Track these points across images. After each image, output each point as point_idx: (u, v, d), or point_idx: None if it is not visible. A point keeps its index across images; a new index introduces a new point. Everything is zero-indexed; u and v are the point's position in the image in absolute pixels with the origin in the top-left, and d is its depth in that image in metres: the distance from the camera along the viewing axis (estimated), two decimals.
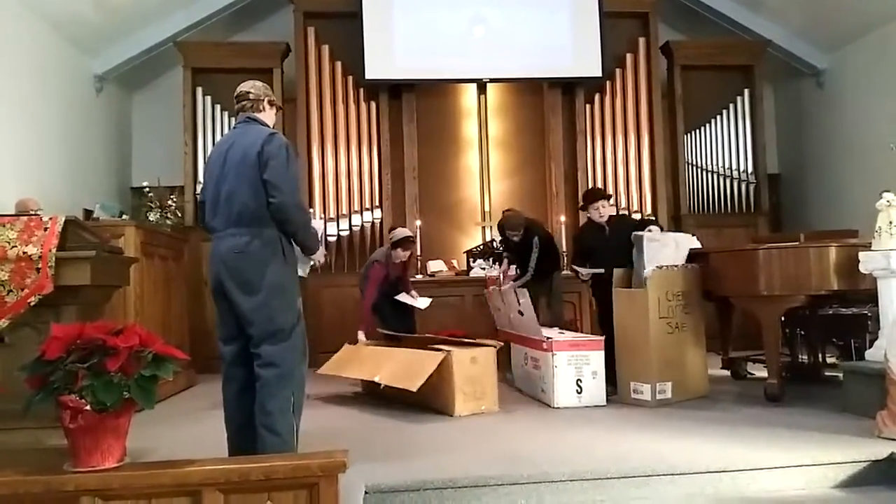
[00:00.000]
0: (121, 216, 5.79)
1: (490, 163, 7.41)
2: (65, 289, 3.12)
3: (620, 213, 5.38)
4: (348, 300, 6.63)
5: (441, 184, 7.40)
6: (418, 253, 6.65)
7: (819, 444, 3.22)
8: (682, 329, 4.48)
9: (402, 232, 5.64)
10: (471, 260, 6.95)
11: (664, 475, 2.91)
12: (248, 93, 3.11)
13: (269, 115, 3.16)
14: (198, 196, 3.27)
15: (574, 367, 4.41)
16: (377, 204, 7.13)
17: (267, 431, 2.82)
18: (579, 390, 4.41)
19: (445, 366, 4.26)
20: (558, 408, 4.36)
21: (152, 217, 6.20)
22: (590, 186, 7.09)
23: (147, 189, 6.46)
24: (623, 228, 4.86)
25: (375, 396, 4.91)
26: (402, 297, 5.61)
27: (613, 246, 4.80)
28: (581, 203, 5.27)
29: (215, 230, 3.00)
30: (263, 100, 3.13)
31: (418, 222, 7.01)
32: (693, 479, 2.92)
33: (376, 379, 4.54)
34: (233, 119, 7.00)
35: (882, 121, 6.72)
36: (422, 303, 5.67)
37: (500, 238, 6.14)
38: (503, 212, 5.86)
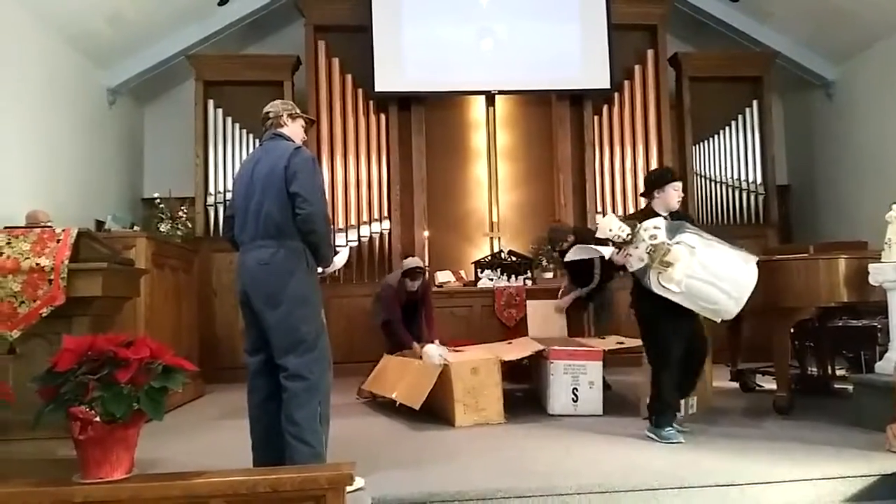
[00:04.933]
0: (132, 227, 5.85)
1: (498, 174, 7.44)
2: (77, 300, 3.15)
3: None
4: (356, 311, 6.66)
5: (449, 195, 7.43)
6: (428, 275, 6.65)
7: (829, 457, 3.20)
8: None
9: (410, 262, 5.56)
10: (479, 271, 6.97)
11: (672, 488, 2.89)
12: (268, 112, 3.20)
13: (292, 129, 3.20)
14: (227, 210, 3.31)
15: (571, 375, 4.47)
16: (386, 215, 7.16)
17: (297, 442, 2.84)
18: (575, 399, 4.46)
19: (445, 378, 4.27)
20: (553, 415, 4.44)
21: (163, 228, 6.25)
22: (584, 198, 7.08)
23: (158, 200, 6.52)
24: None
25: (380, 405, 4.93)
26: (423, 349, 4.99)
27: None
28: (646, 189, 4.02)
29: (243, 243, 3.06)
30: (282, 115, 3.18)
31: (426, 233, 7.04)
32: (701, 492, 2.91)
33: (394, 396, 4.59)
34: (243, 131, 7.11)
35: (892, 132, 6.70)
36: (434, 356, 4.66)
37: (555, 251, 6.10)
38: (548, 226, 5.94)
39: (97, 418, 2.20)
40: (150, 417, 2.26)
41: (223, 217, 4.06)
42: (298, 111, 3.26)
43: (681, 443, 3.59)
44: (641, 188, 4.13)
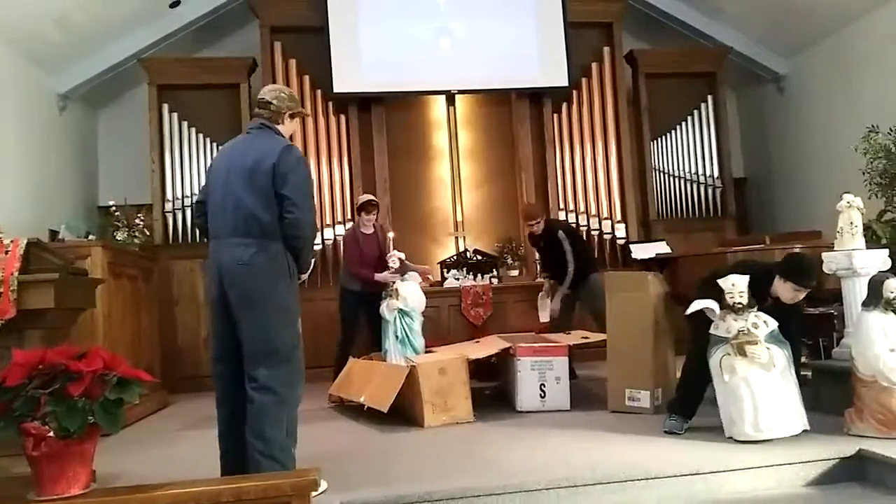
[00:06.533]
0: (87, 236, 5.69)
1: (461, 173, 7.44)
2: (28, 313, 3.04)
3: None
4: (321, 315, 6.58)
5: (413, 195, 7.41)
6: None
7: (789, 442, 3.26)
8: (664, 332, 4.51)
9: (363, 197, 5.73)
10: (445, 271, 6.96)
11: (638, 480, 2.92)
12: (270, 103, 3.01)
13: (287, 128, 3.05)
14: (199, 195, 3.16)
15: (538, 371, 4.49)
16: (349, 217, 7.10)
17: (266, 459, 2.70)
18: (542, 395, 4.48)
19: (413, 379, 4.26)
20: (521, 411, 4.45)
21: (119, 236, 6.09)
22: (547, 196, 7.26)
23: (114, 208, 6.36)
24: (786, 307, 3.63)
25: (348, 409, 4.89)
26: (381, 277, 5.30)
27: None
28: (780, 268, 3.63)
29: (217, 236, 2.90)
30: (284, 113, 3.02)
31: (391, 234, 6.98)
32: (666, 482, 2.94)
33: (362, 400, 4.55)
34: (200, 135, 6.97)
35: (842, 123, 6.88)
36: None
37: (531, 242, 6.17)
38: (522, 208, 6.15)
39: (51, 433, 2.13)
40: (106, 431, 2.20)
41: (194, 202, 3.86)
42: (299, 109, 3.12)
43: (673, 433, 3.59)
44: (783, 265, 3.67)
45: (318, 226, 6.86)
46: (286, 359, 2.82)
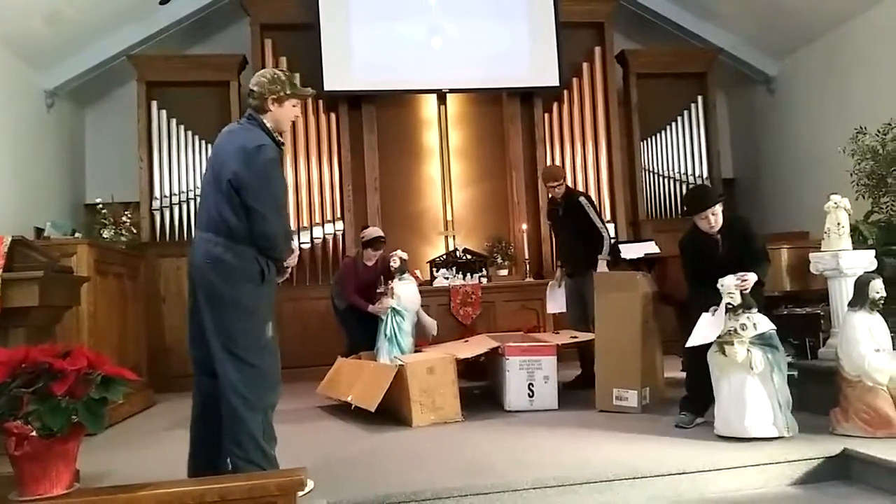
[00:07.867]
0: (73, 234, 5.64)
1: (451, 172, 7.42)
2: (12, 311, 3.01)
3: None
4: (310, 314, 6.57)
5: (403, 194, 7.39)
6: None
7: (776, 442, 3.28)
8: (652, 332, 4.52)
9: (372, 232, 5.63)
10: (434, 270, 6.95)
11: (626, 479, 2.93)
12: (252, 91, 2.87)
13: (276, 114, 2.85)
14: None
15: (526, 371, 4.49)
16: (339, 216, 7.09)
17: (246, 464, 2.66)
18: (531, 394, 4.48)
19: (401, 378, 4.25)
20: (510, 411, 4.45)
21: (106, 234, 6.05)
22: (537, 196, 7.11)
23: (101, 206, 6.31)
24: (735, 235, 3.83)
25: (335, 408, 4.88)
26: (373, 309, 5.29)
27: (726, 261, 3.69)
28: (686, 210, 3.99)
29: (198, 229, 2.85)
30: (268, 98, 2.83)
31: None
32: (654, 481, 2.95)
33: (349, 399, 4.53)
34: (189, 132, 6.94)
35: (831, 125, 6.92)
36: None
37: (548, 213, 5.81)
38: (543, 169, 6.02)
39: (34, 433, 2.11)
40: (90, 430, 2.18)
41: None
42: (289, 90, 2.86)
43: (682, 428, 3.66)
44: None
45: (296, 227, 6.82)
46: (252, 363, 2.72)
